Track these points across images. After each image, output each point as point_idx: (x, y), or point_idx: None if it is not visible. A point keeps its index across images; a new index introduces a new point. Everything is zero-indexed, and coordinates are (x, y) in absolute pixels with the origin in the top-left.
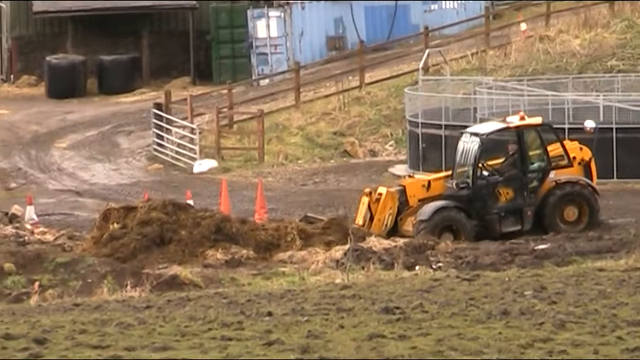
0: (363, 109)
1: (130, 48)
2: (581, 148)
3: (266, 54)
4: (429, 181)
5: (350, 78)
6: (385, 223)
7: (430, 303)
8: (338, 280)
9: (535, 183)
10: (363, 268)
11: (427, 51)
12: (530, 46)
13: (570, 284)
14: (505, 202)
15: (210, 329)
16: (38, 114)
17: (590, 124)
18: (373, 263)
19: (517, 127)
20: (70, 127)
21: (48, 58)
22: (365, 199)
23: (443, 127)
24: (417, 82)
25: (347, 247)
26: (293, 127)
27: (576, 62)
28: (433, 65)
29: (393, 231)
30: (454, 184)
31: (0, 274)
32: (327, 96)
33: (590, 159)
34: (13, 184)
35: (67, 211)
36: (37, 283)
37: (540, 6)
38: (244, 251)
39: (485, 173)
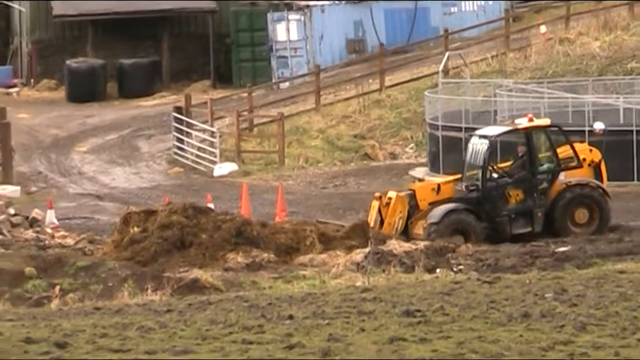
0: (383, 112)
1: (150, 51)
2: (590, 150)
3: (286, 57)
4: (439, 185)
5: (370, 81)
6: (395, 227)
7: (451, 306)
8: (359, 283)
9: (545, 184)
10: (383, 271)
11: (447, 54)
12: (550, 48)
13: (591, 287)
14: (515, 204)
15: (231, 333)
16: (58, 118)
17: (599, 125)
18: (394, 266)
19: (526, 129)
20: (90, 131)
21: (68, 62)
22: (375, 203)
23: (463, 129)
24: (437, 85)
25: (367, 250)
26: (313, 130)
27: (596, 64)
28: (453, 68)
29: (404, 235)
30: (464, 186)
31: (21, 278)
32: (347, 99)
33: (600, 160)
34: (33, 188)
35: (88, 215)
36: (57, 287)
37: (560, 8)
38: (265, 255)
39: (495, 175)
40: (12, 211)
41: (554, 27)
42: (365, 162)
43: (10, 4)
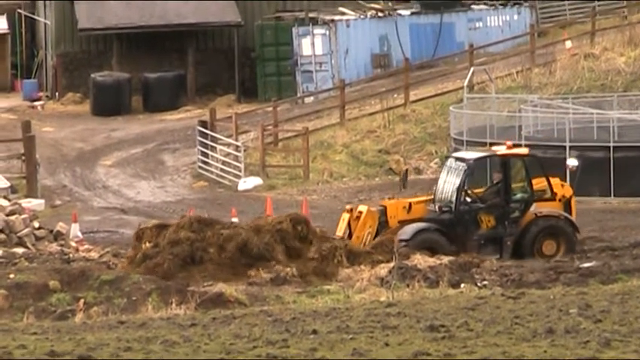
0: (408, 127)
1: (175, 65)
2: (562, 185)
3: (311, 71)
4: (410, 204)
5: (395, 96)
6: (363, 241)
7: (475, 321)
8: (383, 298)
9: (517, 213)
10: (408, 285)
11: (472, 69)
12: (575, 63)
13: (615, 302)
14: (486, 230)
15: (255, 347)
16: (83, 131)
17: (572, 162)
18: (418, 281)
19: (503, 156)
20: (114, 145)
21: (93, 76)
22: (345, 216)
23: (488, 145)
24: (462, 100)
25: (392, 265)
26: (338, 144)
27: (621, 80)
28: (478, 83)
29: None
30: (437, 207)
31: (45, 291)
32: (372, 114)
33: (571, 196)
34: (58, 202)
35: (112, 229)
36: (81, 301)
37: (585, 24)
38: (288, 269)
39: (469, 199)
40: (36, 224)
41: (579, 42)
42: (390, 177)
43: (35, 17)
